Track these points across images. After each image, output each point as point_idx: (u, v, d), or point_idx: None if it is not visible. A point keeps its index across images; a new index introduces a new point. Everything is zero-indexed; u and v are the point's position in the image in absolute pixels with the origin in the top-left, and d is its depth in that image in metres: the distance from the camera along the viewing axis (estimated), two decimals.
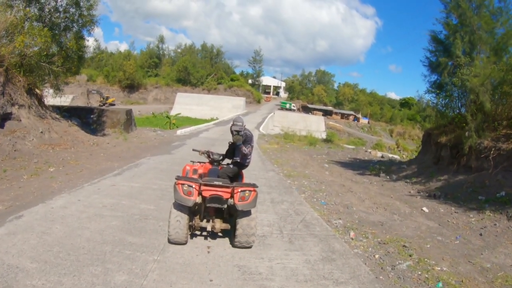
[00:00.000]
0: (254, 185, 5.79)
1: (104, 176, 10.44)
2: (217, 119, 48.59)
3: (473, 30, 15.85)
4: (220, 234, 6.38)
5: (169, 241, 5.81)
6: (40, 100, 16.62)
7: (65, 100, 44.69)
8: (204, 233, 6.45)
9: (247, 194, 5.58)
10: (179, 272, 4.99)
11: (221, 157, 6.90)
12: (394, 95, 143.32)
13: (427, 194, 13.85)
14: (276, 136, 35.02)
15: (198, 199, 5.63)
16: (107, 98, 47.84)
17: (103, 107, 27.18)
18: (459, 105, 17.41)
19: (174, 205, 5.69)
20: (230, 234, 6.27)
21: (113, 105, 44.50)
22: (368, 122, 78.65)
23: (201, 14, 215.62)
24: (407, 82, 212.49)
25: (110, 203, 7.77)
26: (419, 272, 5.92)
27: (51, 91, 18.12)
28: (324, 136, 50.71)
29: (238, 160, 6.64)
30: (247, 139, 6.47)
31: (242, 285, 4.84)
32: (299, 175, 14.79)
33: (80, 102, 47.34)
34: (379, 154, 41.08)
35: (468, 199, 12.46)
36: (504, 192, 11.94)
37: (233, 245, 5.96)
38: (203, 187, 5.63)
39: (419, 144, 58.58)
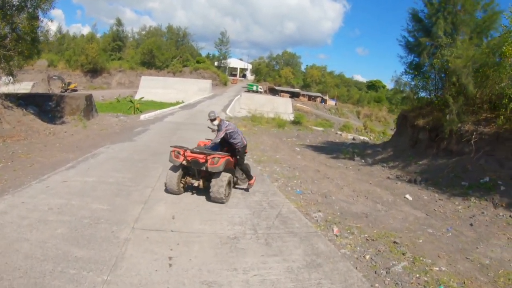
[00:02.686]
0: (224, 154, 7.74)
1: (55, 170, 9.10)
2: (183, 102, 46.09)
3: (455, 11, 15.30)
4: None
5: (166, 191, 7.90)
6: None
7: (25, 87, 42.21)
8: (166, 249, 5.52)
9: (216, 160, 7.39)
10: None
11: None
12: (360, 78, 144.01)
13: (407, 179, 13.35)
14: (243, 119, 33.37)
15: (185, 162, 7.63)
16: (69, 83, 44.85)
17: (64, 93, 25.17)
18: (436, 87, 16.95)
19: (171, 167, 7.84)
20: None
21: (76, 91, 42.00)
22: (336, 104, 77.54)
23: None
24: (374, 65, 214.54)
25: (58, 204, 6.57)
26: (417, 275, 5.20)
27: (6, 78, 16.44)
28: (292, 118, 49.68)
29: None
30: (219, 128, 8.35)
31: None
32: (269, 160, 13.79)
33: (41, 89, 44.48)
34: (350, 136, 40.90)
35: (451, 185, 12.02)
36: (488, 178, 11.61)
37: (210, 199, 7.54)
38: (187, 153, 7.65)
39: (386, 126, 60.01)
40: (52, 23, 18.65)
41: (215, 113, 8.42)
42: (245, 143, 8.66)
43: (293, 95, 74.17)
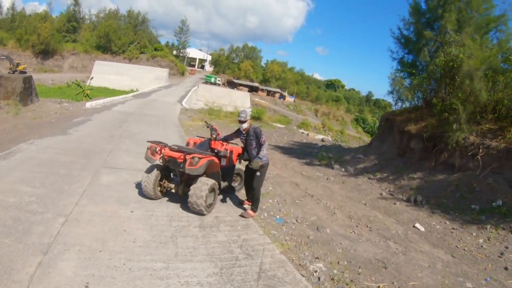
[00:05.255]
0: (208, 154, 6.37)
1: None
2: (137, 90, 43.94)
3: (459, 8, 13.51)
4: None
5: (139, 194, 6.68)
6: None
7: None
8: None
9: (195, 160, 6.00)
10: None
11: (216, 133, 7.20)
12: (318, 76, 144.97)
13: (404, 198, 11.44)
14: (200, 111, 30.12)
15: (161, 161, 6.42)
16: (18, 64, 40.26)
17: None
18: (429, 90, 15.11)
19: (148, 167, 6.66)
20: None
21: (25, 73, 37.67)
22: (294, 101, 77.19)
23: None
24: (332, 65, 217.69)
25: None
26: None
27: None
28: (249, 112, 48.48)
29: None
30: (250, 135, 6.71)
31: None
32: None
33: None
34: (318, 136, 39.17)
35: (459, 208, 10.21)
36: (501, 201, 9.93)
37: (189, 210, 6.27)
38: (165, 150, 6.38)
39: (343, 125, 60.39)
40: None
41: (247, 114, 6.65)
42: (268, 160, 6.85)
43: (252, 89, 73.54)
